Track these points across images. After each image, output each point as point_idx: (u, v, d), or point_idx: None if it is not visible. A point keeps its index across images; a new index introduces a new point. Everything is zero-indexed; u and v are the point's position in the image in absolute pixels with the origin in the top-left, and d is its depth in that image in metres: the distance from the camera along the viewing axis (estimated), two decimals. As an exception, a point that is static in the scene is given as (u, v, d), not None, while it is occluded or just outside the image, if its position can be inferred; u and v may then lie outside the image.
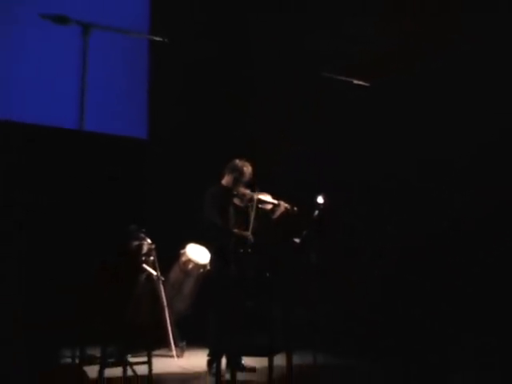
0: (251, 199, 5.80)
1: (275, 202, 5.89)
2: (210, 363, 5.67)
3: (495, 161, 6.02)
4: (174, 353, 6.27)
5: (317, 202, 5.62)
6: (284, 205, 5.88)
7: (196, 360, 6.17)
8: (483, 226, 5.94)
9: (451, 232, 6.08)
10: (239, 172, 5.84)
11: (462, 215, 6.06)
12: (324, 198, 5.66)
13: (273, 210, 5.88)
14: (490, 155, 6.02)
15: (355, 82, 5.66)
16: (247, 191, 5.85)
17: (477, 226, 5.96)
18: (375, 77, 6.30)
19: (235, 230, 5.76)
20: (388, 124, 6.60)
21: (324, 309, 6.09)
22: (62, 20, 4.33)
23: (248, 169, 5.86)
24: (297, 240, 5.59)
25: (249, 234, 5.70)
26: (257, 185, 5.88)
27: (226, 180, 5.89)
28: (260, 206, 5.84)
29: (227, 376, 5.29)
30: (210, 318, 5.74)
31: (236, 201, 5.86)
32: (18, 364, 4.64)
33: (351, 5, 7.00)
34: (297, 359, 5.30)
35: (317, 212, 5.59)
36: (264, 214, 5.86)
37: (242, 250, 5.70)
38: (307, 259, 5.64)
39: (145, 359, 5.26)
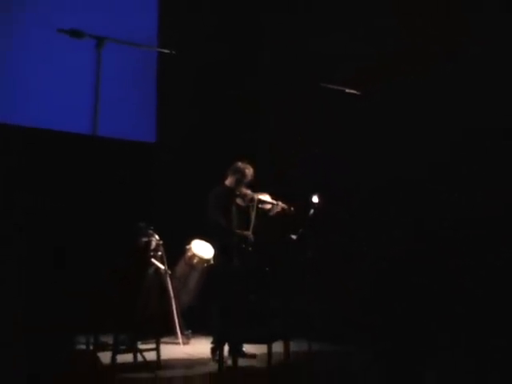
0: (252, 199, 5.86)
1: (274, 202, 5.94)
2: (213, 350, 5.71)
3: (502, 163, 5.91)
4: (180, 340, 6.32)
5: (312, 202, 5.71)
6: (282, 205, 5.94)
7: (200, 347, 6.21)
8: (486, 229, 5.82)
9: (452, 235, 6.01)
10: (241, 173, 5.90)
11: (462, 218, 5.96)
12: (319, 198, 5.74)
13: (271, 210, 5.95)
14: (496, 157, 5.91)
15: (347, 90, 5.68)
16: (248, 191, 5.90)
17: (480, 228, 5.85)
18: (383, 80, 6.30)
19: (237, 231, 5.82)
20: (390, 128, 6.55)
21: (319, 301, 6.15)
22: (77, 34, 4.33)
23: (250, 170, 5.92)
24: (294, 237, 5.68)
25: (249, 233, 5.77)
26: (257, 186, 5.97)
27: (228, 181, 5.95)
28: (260, 205, 5.90)
29: (229, 362, 5.33)
30: (213, 309, 5.81)
31: (238, 201, 5.91)
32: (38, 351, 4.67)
33: (359, 7, 6.93)
34: (293, 346, 5.38)
35: (312, 211, 5.69)
36: (263, 213, 5.92)
37: (243, 246, 5.77)
38: (303, 254, 5.73)
39: (153, 346, 5.40)
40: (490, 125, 5.93)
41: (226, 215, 5.84)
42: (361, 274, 6.46)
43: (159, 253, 6.24)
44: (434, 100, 6.32)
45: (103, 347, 5.42)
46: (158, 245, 6.19)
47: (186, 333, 6.47)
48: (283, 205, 5.94)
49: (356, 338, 6.02)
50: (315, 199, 5.69)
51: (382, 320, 6.08)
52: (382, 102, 6.45)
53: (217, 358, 5.37)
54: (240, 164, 5.94)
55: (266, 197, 5.96)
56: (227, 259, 5.80)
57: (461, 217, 5.94)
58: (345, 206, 6.58)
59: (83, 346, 5.41)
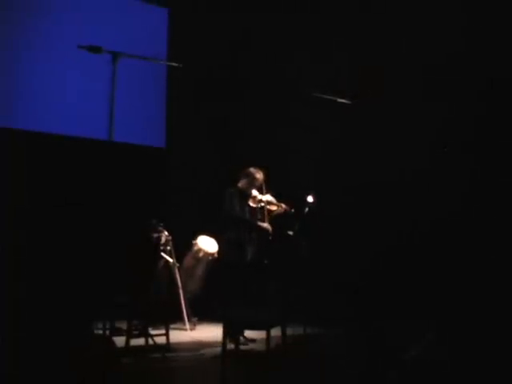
0: (261, 201, 5.94)
1: (278, 204, 6.02)
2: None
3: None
4: (188, 326, 6.36)
5: (307, 201, 5.76)
6: (284, 206, 6.02)
7: (205, 332, 6.28)
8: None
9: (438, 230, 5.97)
10: (253, 177, 5.95)
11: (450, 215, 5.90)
12: (313, 197, 5.80)
13: (275, 210, 6.02)
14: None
15: (339, 100, 5.75)
16: (258, 194, 5.97)
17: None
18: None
19: (258, 223, 5.88)
20: (377, 134, 6.56)
21: (313, 289, 6.21)
22: (95, 50, 4.31)
23: (260, 175, 5.97)
24: (290, 232, 5.73)
25: (268, 225, 5.87)
26: (266, 189, 6.02)
27: (241, 183, 5.98)
28: (268, 207, 5.98)
29: (232, 345, 5.33)
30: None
31: (250, 201, 5.97)
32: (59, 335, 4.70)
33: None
34: (290, 331, 5.41)
35: (307, 209, 5.74)
36: (269, 213, 5.98)
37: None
38: (299, 248, 5.77)
39: (163, 331, 5.43)
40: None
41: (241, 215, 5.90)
42: (349, 266, 6.50)
43: (168, 247, 6.30)
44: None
45: (118, 332, 5.50)
46: (167, 240, 6.26)
47: (192, 319, 6.51)
48: (286, 206, 6.01)
49: (345, 323, 6.05)
50: (310, 199, 5.74)
51: (369, 307, 6.14)
52: (371, 108, 6.46)
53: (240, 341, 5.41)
54: (252, 169, 5.99)
55: (270, 198, 6.03)
56: (239, 252, 5.82)
57: (448, 214, 5.93)
58: (336, 204, 6.61)
59: (100, 331, 5.41)
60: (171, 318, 5.95)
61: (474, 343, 4.94)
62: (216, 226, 6.07)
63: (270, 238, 5.86)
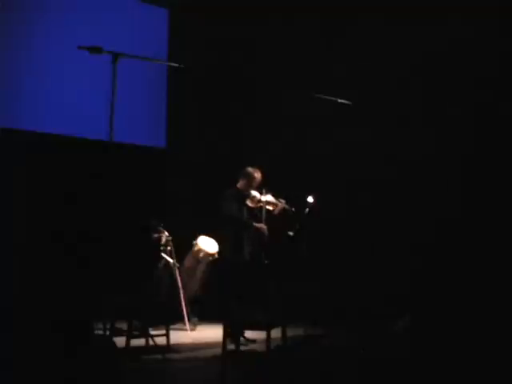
0: (260, 201, 5.94)
1: (278, 203, 6.01)
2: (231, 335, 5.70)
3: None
4: (188, 327, 6.35)
5: (307, 201, 5.77)
6: (284, 206, 6.02)
7: (206, 333, 6.29)
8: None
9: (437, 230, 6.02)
10: (252, 177, 5.94)
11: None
12: (313, 198, 5.80)
13: (275, 210, 6.01)
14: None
15: (339, 100, 5.77)
16: (257, 194, 5.96)
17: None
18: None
19: (254, 224, 5.87)
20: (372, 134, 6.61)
21: (313, 290, 6.22)
22: (96, 50, 4.31)
23: (258, 175, 5.96)
24: (290, 233, 5.73)
25: (264, 226, 5.85)
26: (264, 188, 6.01)
27: (240, 184, 5.98)
28: (267, 206, 5.98)
29: (232, 346, 5.34)
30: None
31: (248, 202, 5.96)
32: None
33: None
34: (290, 331, 5.43)
35: (307, 209, 5.75)
36: (268, 213, 5.97)
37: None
38: (299, 249, 5.78)
39: (163, 332, 5.40)
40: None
41: (238, 215, 5.88)
42: (349, 266, 6.51)
43: (168, 248, 6.29)
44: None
45: (118, 332, 5.47)
46: (167, 240, 6.26)
47: (192, 320, 6.51)
48: (285, 205, 6.01)
49: (345, 323, 6.08)
50: (310, 199, 5.74)
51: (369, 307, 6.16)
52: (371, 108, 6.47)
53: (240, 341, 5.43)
54: (250, 168, 5.99)
55: (270, 198, 6.03)
56: (239, 252, 5.82)
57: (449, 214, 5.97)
58: (336, 204, 6.62)
59: (101, 332, 5.45)
60: (171, 318, 5.93)
61: (473, 342, 4.96)
62: (216, 226, 6.07)
63: (265, 239, 5.84)
